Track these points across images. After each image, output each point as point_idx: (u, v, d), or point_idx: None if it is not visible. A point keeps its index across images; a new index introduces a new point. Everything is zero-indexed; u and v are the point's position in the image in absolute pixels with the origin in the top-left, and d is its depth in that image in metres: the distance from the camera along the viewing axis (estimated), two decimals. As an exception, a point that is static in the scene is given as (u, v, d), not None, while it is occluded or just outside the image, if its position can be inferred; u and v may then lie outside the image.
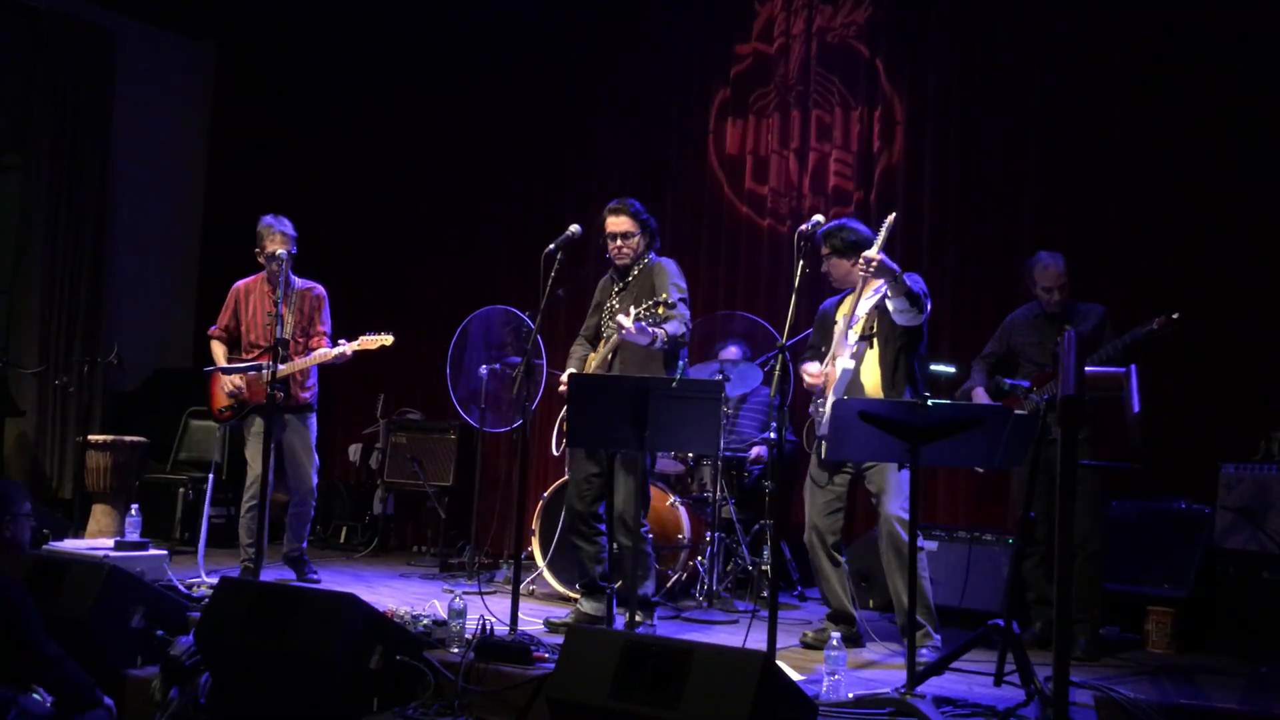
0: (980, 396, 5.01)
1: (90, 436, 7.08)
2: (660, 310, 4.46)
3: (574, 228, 4.70)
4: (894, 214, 4.53)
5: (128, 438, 7.17)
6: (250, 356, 5.87)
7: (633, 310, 4.49)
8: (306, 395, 5.92)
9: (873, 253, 4.37)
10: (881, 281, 4.52)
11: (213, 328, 6.05)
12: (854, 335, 4.64)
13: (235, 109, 9.47)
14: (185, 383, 8.42)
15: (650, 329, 4.49)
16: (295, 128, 9.05)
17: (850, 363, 4.61)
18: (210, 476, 6.14)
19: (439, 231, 8.36)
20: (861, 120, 6.81)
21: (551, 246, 4.60)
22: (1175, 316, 4.64)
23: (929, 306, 4.54)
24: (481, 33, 8.29)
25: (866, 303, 4.63)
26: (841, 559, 4.76)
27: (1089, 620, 4.83)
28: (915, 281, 4.54)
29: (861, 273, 4.44)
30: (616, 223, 4.87)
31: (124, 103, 8.69)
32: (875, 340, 4.66)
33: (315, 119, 8.97)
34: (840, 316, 4.79)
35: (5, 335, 8.23)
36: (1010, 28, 6.39)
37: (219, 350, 6.00)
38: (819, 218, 4.37)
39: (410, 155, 8.56)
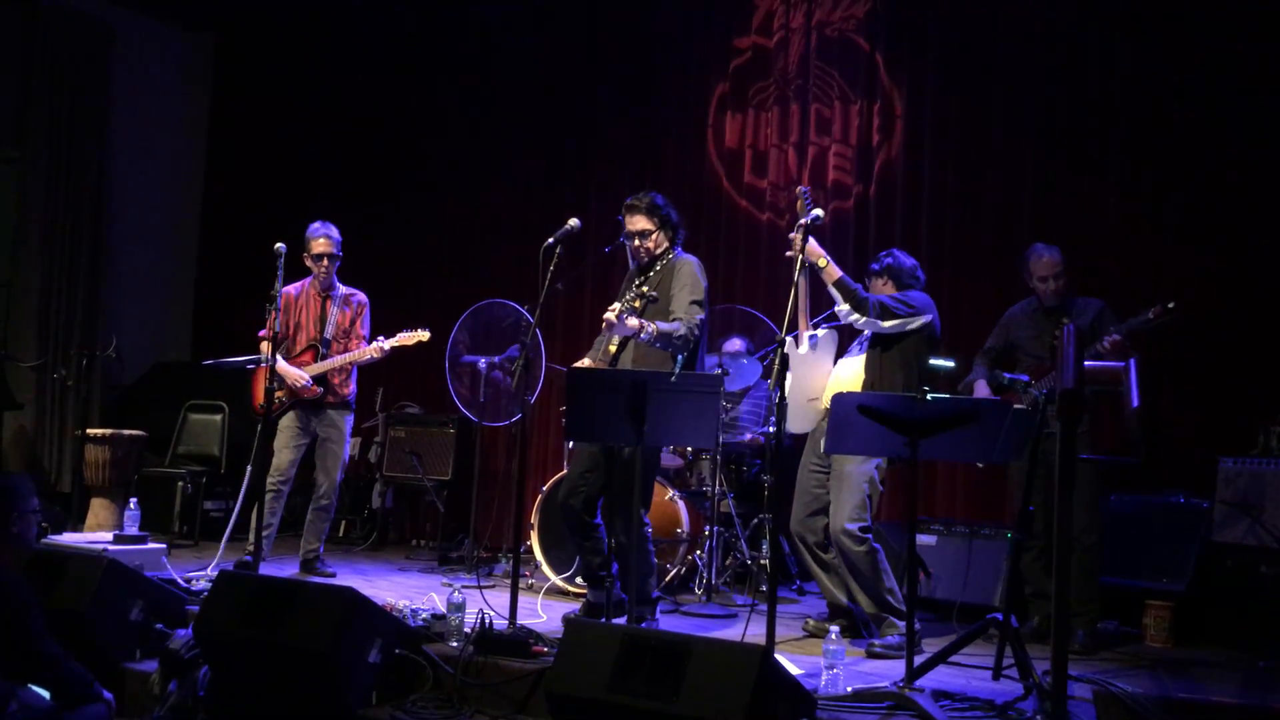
0: (981, 390, 5.02)
1: (89, 430, 7.08)
2: (638, 303, 4.44)
3: (573, 221, 4.67)
4: (819, 211, 4.47)
5: (126, 431, 7.17)
6: (294, 357, 6.02)
7: (616, 305, 4.49)
8: (347, 393, 6.07)
9: (807, 243, 4.44)
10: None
11: (262, 331, 6.01)
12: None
13: (233, 101, 9.46)
14: (184, 376, 8.43)
15: (632, 321, 4.46)
16: (293, 120, 9.04)
17: (806, 344, 4.77)
18: (248, 470, 6.12)
19: (437, 225, 8.35)
20: (861, 114, 6.80)
21: (551, 240, 4.58)
22: (1170, 306, 4.63)
23: (886, 319, 4.63)
24: (480, 26, 8.28)
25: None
26: (828, 556, 4.79)
27: (1087, 613, 4.84)
28: (913, 296, 4.67)
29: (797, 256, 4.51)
30: (632, 221, 4.79)
31: (121, 95, 8.67)
32: (876, 342, 4.73)
33: (313, 111, 8.95)
34: None
35: (4, 329, 8.22)
36: (1009, 21, 6.38)
37: (267, 349, 5.95)
38: (819, 211, 4.38)
39: (408, 147, 8.55)
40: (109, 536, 5.64)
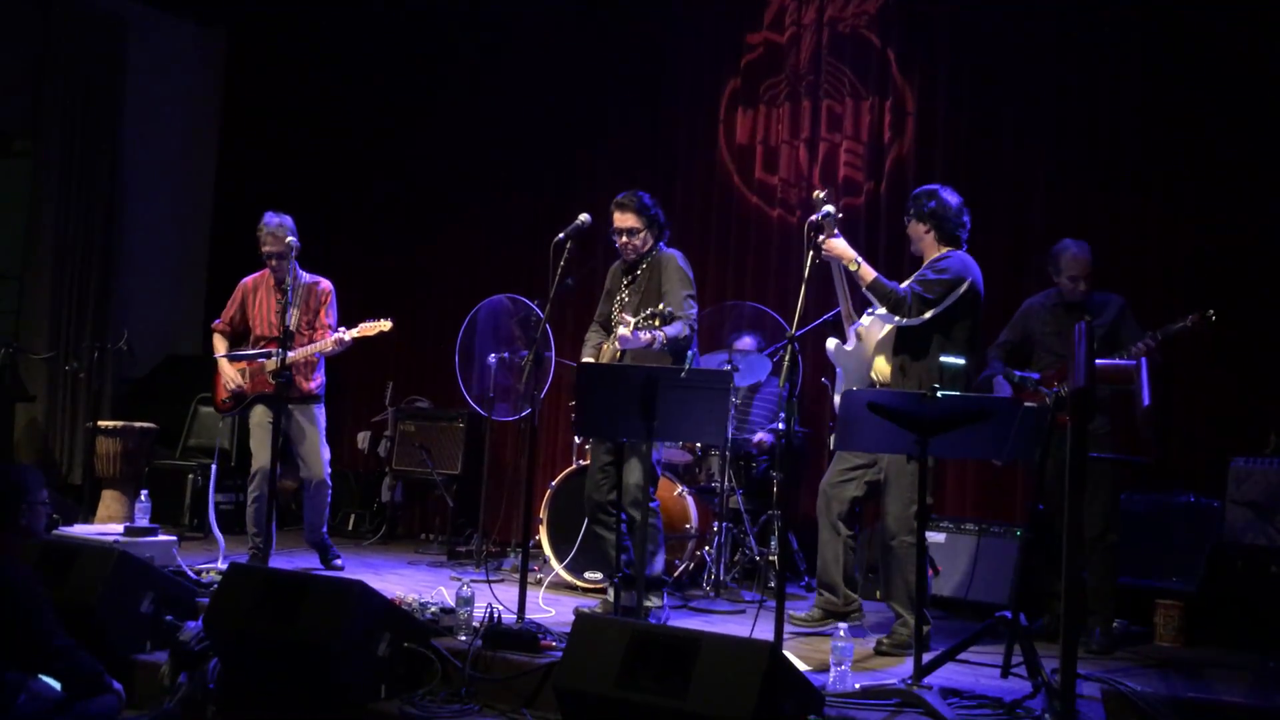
0: (1002, 389, 4.87)
1: (100, 422, 7.10)
2: (656, 322, 4.45)
3: (583, 217, 4.68)
4: (831, 208, 4.45)
5: (137, 424, 7.19)
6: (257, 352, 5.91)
7: (630, 319, 4.50)
8: (312, 386, 5.94)
9: (833, 241, 4.40)
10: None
11: (216, 321, 6.08)
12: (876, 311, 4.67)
13: (246, 95, 9.47)
14: (195, 369, 8.44)
15: (645, 335, 4.49)
16: (306, 114, 9.05)
17: (853, 339, 4.68)
18: (214, 466, 6.18)
19: (448, 219, 8.36)
20: (872, 110, 6.79)
21: (561, 236, 4.59)
22: (1211, 315, 4.56)
23: (925, 309, 4.46)
24: (492, 20, 8.27)
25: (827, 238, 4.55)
26: (845, 531, 4.73)
27: (1102, 612, 4.82)
28: (942, 273, 4.52)
29: (823, 256, 4.46)
30: (621, 219, 4.87)
31: (135, 89, 8.69)
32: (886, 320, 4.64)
33: (326, 105, 8.97)
34: None
35: (16, 321, 8.25)
36: (1022, 18, 6.35)
37: (220, 344, 6.01)
38: (829, 208, 4.37)
39: (420, 142, 8.56)
40: (120, 528, 5.67)
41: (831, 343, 4.80)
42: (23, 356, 7.76)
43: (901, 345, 4.58)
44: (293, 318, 5.79)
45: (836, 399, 4.82)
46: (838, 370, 4.85)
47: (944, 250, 4.68)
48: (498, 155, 8.19)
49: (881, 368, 4.66)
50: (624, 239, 4.87)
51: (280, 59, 9.25)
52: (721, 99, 7.36)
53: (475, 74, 8.34)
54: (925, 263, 4.66)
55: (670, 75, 7.59)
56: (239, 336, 6.04)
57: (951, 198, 4.68)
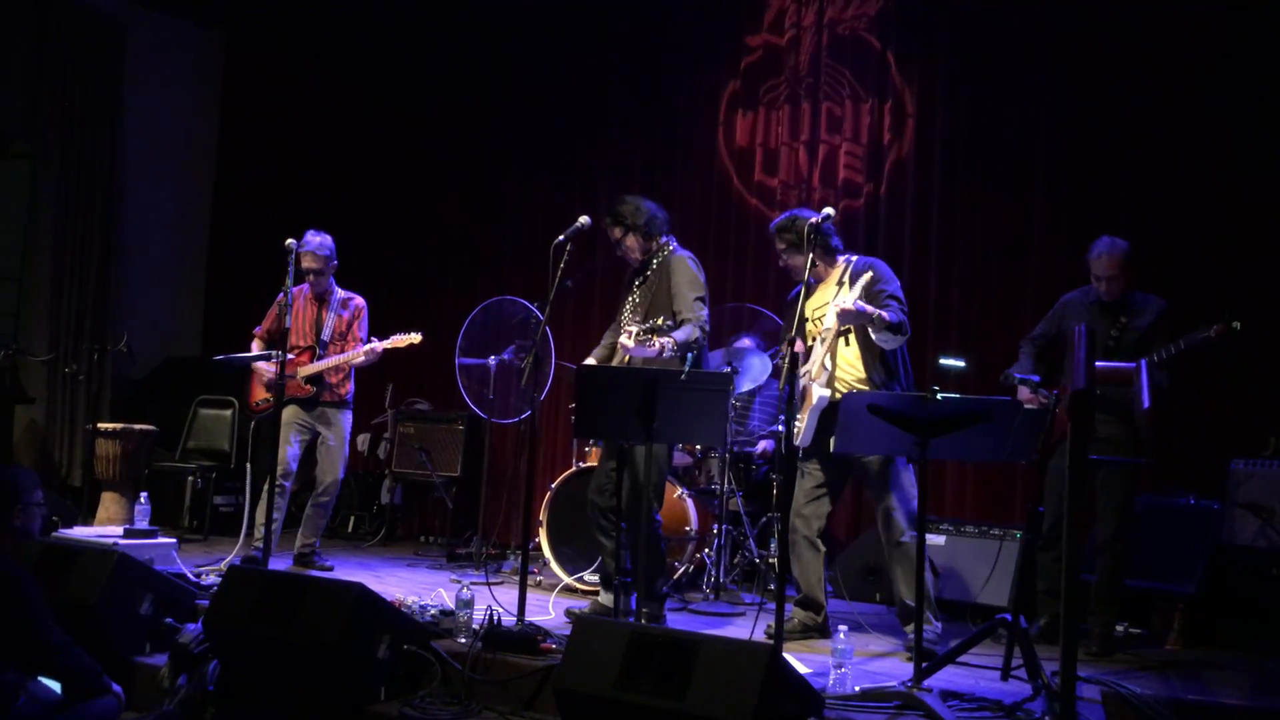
0: (1022, 393, 4.77)
1: (99, 424, 7.10)
2: (654, 338, 4.43)
3: (583, 219, 4.68)
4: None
5: (137, 426, 7.19)
6: (292, 356, 6.04)
7: (633, 329, 4.48)
8: (344, 393, 6.12)
9: (848, 304, 4.38)
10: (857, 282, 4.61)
11: (257, 328, 6.23)
12: (828, 335, 4.62)
13: (244, 96, 9.48)
14: (194, 371, 8.46)
15: (652, 344, 4.44)
16: (304, 115, 9.06)
17: (826, 366, 4.61)
18: (248, 468, 6.31)
19: (448, 221, 8.36)
20: (872, 113, 6.79)
21: (561, 238, 4.60)
22: (1236, 326, 4.47)
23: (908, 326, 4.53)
24: (492, 23, 8.28)
25: (841, 303, 4.50)
26: (821, 547, 4.75)
27: (1104, 615, 4.81)
28: (889, 282, 4.58)
29: (839, 324, 4.47)
30: (609, 230, 4.95)
31: (133, 91, 8.70)
32: (849, 336, 4.62)
33: (324, 107, 8.97)
34: (811, 312, 4.73)
35: (15, 323, 8.25)
36: (1022, 20, 6.36)
37: (257, 348, 6.17)
38: (829, 210, 4.36)
39: (420, 144, 8.56)
40: (119, 530, 5.66)
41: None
42: (22, 359, 7.76)
43: (869, 355, 4.58)
44: (329, 330, 6.06)
45: (800, 423, 4.69)
46: (807, 423, 4.64)
47: (848, 259, 4.73)
48: (497, 158, 8.18)
49: (841, 370, 4.64)
50: (621, 249, 4.95)
51: (279, 60, 9.25)
52: (721, 101, 7.36)
53: (475, 77, 8.34)
54: (850, 279, 4.62)
55: (670, 78, 7.59)
56: (275, 344, 6.11)
57: (812, 215, 4.50)
